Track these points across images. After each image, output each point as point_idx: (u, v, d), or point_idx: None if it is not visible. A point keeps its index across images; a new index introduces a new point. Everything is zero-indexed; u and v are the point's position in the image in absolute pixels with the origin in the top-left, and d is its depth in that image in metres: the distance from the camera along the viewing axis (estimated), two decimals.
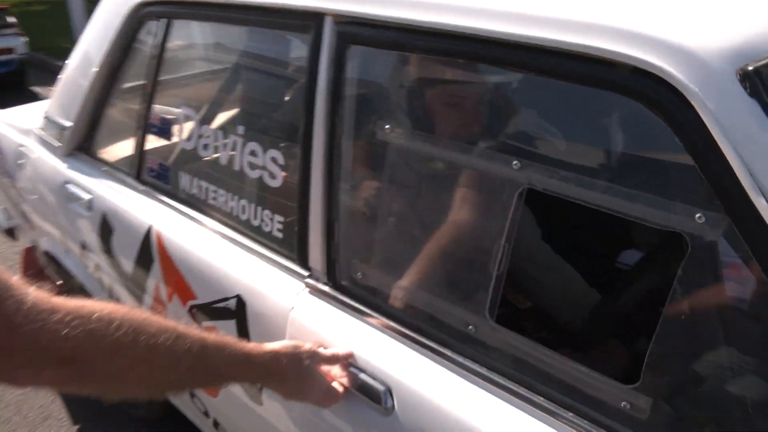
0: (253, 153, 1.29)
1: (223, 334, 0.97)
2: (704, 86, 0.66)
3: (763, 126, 0.63)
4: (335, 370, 1.03)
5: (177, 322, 0.79)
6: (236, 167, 1.34)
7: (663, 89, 0.68)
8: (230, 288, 1.27)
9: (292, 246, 1.21)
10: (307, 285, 1.17)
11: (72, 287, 1.96)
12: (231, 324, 1.28)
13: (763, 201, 0.62)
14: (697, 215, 0.68)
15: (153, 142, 1.60)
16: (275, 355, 0.93)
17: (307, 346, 0.99)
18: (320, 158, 1.11)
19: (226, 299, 1.28)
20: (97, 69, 1.67)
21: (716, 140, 0.65)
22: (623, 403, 0.75)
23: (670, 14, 0.73)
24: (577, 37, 0.75)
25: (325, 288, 1.14)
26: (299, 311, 1.15)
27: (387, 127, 1.04)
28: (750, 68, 0.65)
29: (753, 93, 0.64)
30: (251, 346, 0.91)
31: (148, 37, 1.57)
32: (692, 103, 0.66)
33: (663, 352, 0.71)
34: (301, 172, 1.15)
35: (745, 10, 0.76)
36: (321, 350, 1.02)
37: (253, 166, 1.30)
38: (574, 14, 0.77)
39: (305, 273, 1.18)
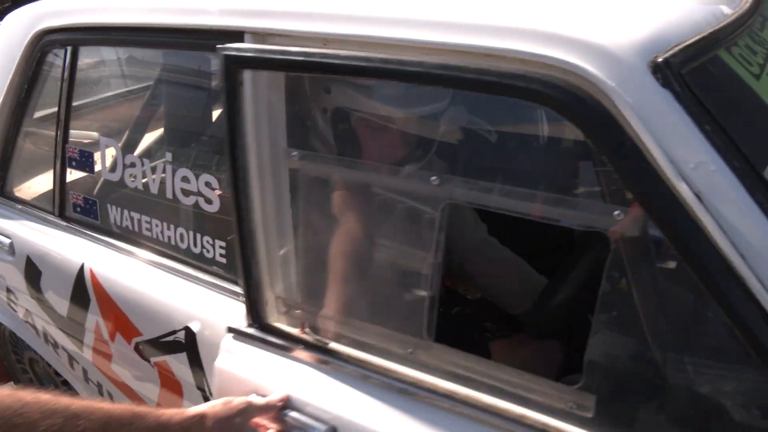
0: (185, 179, 1.24)
1: (138, 404, 0.90)
2: (620, 81, 0.69)
3: (678, 115, 0.67)
4: (269, 420, 0.96)
5: (83, 398, 0.73)
6: (168, 194, 1.28)
7: (579, 89, 0.70)
8: (177, 320, 1.22)
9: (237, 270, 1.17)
10: (230, 329, 1.10)
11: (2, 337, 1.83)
12: (182, 357, 1.23)
13: (685, 186, 0.66)
14: (616, 212, 0.72)
15: (73, 174, 1.50)
16: (200, 419, 0.86)
17: (237, 400, 0.92)
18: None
19: (174, 332, 1.23)
20: (1, 102, 1.55)
21: (637, 132, 0.68)
22: (569, 404, 0.77)
23: (578, 13, 0.76)
24: (492, 40, 0.76)
25: (250, 331, 1.07)
26: (224, 359, 1.08)
27: (294, 154, 1.01)
28: (660, 59, 0.68)
29: (665, 83, 0.68)
30: (171, 413, 0.84)
31: (55, 63, 1.47)
32: (611, 98, 0.69)
33: (599, 350, 0.74)
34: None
35: (650, 4, 0.79)
36: (254, 400, 0.95)
37: (186, 193, 1.25)
38: (486, 18, 0.79)
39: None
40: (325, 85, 1.21)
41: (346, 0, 0.99)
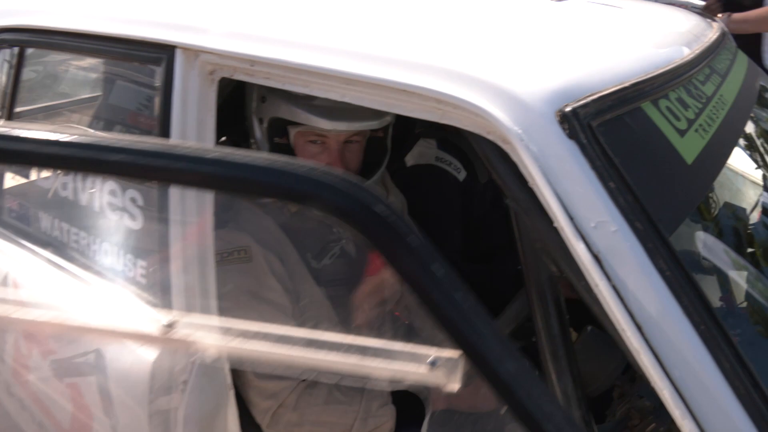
0: (112, 192, 1.19)
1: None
2: (526, 128, 0.65)
3: (581, 168, 0.63)
4: None
5: None
6: (96, 208, 1.23)
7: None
8: (89, 341, 1.16)
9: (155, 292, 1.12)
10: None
11: None
12: (91, 381, 1.16)
13: (583, 245, 0.61)
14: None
15: (9, 180, 1.45)
16: None
17: None
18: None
19: (85, 354, 1.17)
20: None
21: (537, 183, 0.63)
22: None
23: (496, 55, 0.73)
24: (402, 75, 0.73)
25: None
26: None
27: None
28: (568, 109, 0.65)
29: (571, 134, 0.64)
30: None
31: (2, 65, 1.43)
32: (514, 144, 0.65)
33: None
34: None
35: (562, 54, 0.76)
36: None
37: (113, 207, 1.20)
38: (399, 52, 0.75)
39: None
40: (261, 93, 1.17)
41: (279, 24, 0.96)
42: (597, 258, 0.61)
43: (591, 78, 0.70)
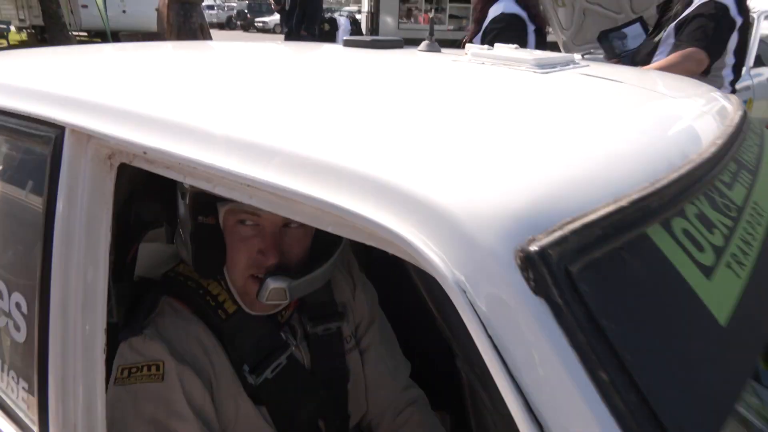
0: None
1: None
2: (469, 276, 0.42)
3: (554, 346, 0.40)
4: None
5: None
6: None
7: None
8: None
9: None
10: None
11: None
12: None
13: None
14: None
15: None
16: None
17: None
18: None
19: None
20: None
21: (490, 365, 0.40)
22: None
23: (425, 161, 0.51)
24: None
25: None
26: None
27: None
28: (533, 248, 0.42)
29: (538, 289, 0.41)
30: None
31: None
32: (456, 299, 0.42)
33: None
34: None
35: (530, 154, 0.54)
36: None
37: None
38: (319, 155, 0.54)
39: None
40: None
41: (184, 105, 0.76)
42: None
43: (570, 193, 0.48)
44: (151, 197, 1.11)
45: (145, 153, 0.72)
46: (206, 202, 0.94)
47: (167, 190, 1.01)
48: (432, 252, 0.43)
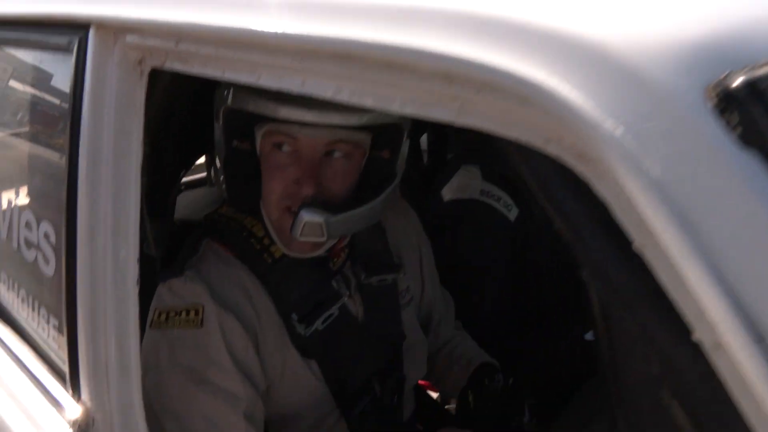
0: (27, 225, 0.89)
1: None
2: (640, 127, 0.29)
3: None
4: None
5: None
6: (14, 244, 0.94)
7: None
8: None
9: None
10: None
11: None
12: None
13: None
14: None
15: None
16: None
17: None
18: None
19: None
20: None
21: (671, 252, 0.27)
22: None
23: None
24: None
25: None
26: None
27: None
28: (737, 84, 0.29)
29: (746, 135, 0.28)
30: None
31: None
32: (611, 165, 0.29)
33: None
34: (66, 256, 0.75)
35: None
36: None
37: (29, 245, 0.90)
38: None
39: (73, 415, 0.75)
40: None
41: None
42: None
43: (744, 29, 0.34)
44: (188, 124, 1.00)
45: (177, 44, 0.60)
46: (242, 124, 0.83)
47: (206, 117, 0.90)
48: (582, 102, 0.30)
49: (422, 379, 1.16)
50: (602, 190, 0.31)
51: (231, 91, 0.80)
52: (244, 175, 0.85)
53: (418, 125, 1.49)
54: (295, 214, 0.79)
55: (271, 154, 0.82)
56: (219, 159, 0.87)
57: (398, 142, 0.86)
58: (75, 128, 0.72)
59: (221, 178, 0.87)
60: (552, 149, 0.33)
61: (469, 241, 1.23)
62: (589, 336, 1.21)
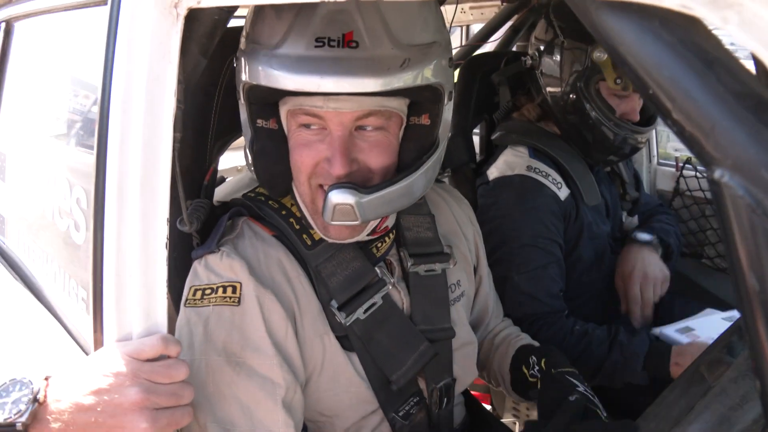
0: (62, 194, 0.86)
1: None
2: None
3: None
4: None
5: None
6: (49, 216, 0.90)
7: None
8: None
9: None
10: None
11: None
12: None
13: None
14: None
15: None
16: None
17: None
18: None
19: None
20: None
21: None
22: None
23: None
24: None
25: None
26: None
27: None
28: None
29: None
30: None
31: None
32: None
33: None
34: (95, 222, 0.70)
35: None
36: None
37: (62, 213, 0.86)
38: None
39: None
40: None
41: None
42: None
43: None
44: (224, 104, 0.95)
45: None
46: (264, 101, 0.75)
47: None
48: None
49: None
50: None
51: (245, 61, 0.73)
52: (272, 155, 0.77)
53: (473, 118, 1.41)
54: (326, 196, 0.72)
55: (297, 132, 0.74)
56: (246, 140, 0.81)
57: (438, 106, 0.77)
58: (107, 76, 0.67)
59: (250, 159, 0.80)
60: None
61: (513, 213, 1.15)
62: (656, 331, 1.12)
